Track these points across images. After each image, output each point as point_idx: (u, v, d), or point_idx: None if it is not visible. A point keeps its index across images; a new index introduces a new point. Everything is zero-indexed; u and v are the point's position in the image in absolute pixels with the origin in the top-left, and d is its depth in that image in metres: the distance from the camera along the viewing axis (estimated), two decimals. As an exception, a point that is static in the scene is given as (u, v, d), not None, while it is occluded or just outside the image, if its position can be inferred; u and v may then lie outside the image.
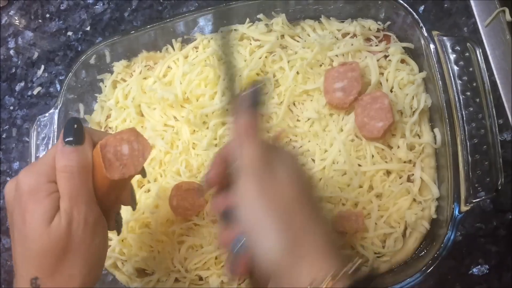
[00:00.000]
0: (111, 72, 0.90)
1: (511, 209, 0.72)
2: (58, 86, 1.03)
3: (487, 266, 0.71)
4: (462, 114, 0.65)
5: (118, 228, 0.64)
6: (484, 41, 0.75)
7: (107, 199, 0.56)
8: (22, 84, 1.06)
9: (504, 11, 0.74)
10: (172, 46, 0.87)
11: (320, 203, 0.51)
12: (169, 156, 0.81)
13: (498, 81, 0.73)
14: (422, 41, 0.69)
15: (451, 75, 0.66)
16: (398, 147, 0.71)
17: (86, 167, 0.52)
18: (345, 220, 0.69)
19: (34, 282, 0.50)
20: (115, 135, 0.53)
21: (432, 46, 0.67)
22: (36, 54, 1.06)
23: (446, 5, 0.80)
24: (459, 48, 0.65)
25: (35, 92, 1.04)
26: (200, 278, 0.76)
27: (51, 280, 0.50)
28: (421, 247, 0.70)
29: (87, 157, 0.53)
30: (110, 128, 0.89)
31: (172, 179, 0.80)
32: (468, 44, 0.65)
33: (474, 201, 0.61)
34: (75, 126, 0.52)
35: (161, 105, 0.83)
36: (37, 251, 0.50)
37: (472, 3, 0.76)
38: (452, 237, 0.63)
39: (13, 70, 1.08)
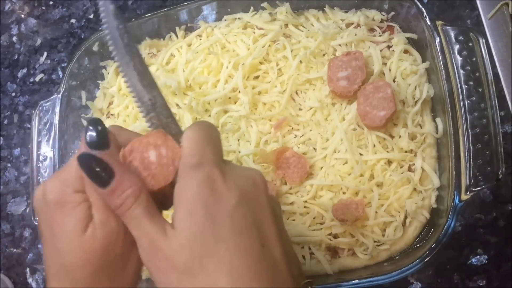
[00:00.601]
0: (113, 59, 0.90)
1: (511, 200, 0.72)
2: (60, 73, 1.03)
3: (486, 257, 0.72)
4: (464, 104, 0.65)
5: None
6: (487, 33, 0.75)
7: None
8: (25, 70, 1.06)
9: (507, 4, 0.74)
10: (176, 34, 0.87)
11: (278, 227, 0.44)
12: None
13: (500, 73, 0.73)
14: (426, 31, 0.69)
15: (454, 65, 0.66)
16: (400, 136, 0.71)
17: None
18: (346, 208, 0.69)
19: None
20: (140, 140, 0.45)
21: (436, 36, 0.67)
22: (39, 41, 1.07)
23: (450, -3, 0.80)
24: (462, 38, 0.65)
25: (37, 79, 1.04)
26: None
27: None
28: (420, 236, 0.70)
29: (116, 158, 0.45)
30: (112, 115, 0.89)
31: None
32: (471, 34, 0.65)
33: (475, 189, 0.62)
34: (99, 128, 0.43)
35: (164, 93, 0.83)
36: (71, 265, 0.44)
37: (476, -5, 0.76)
38: (452, 226, 0.63)
39: (16, 57, 1.08)
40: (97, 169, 0.41)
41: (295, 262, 0.47)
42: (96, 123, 0.44)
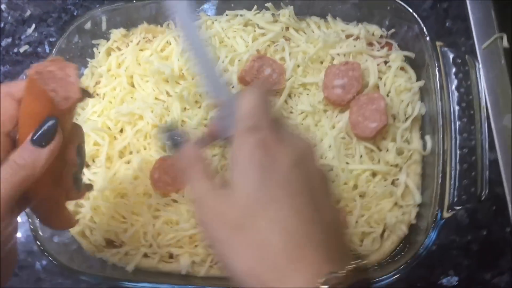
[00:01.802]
0: (107, 39, 0.89)
1: (487, 226, 0.73)
2: (47, 47, 1.00)
3: (456, 278, 0.73)
4: (455, 124, 0.67)
5: (77, 187, 0.57)
6: (480, 62, 0.77)
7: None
8: (9, 40, 1.03)
9: (501, 37, 0.77)
10: (174, 23, 0.87)
11: (329, 197, 0.45)
12: (156, 129, 0.80)
13: (488, 103, 0.75)
14: (426, 51, 0.71)
15: (449, 86, 0.68)
16: (387, 150, 0.72)
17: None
18: (327, 213, 0.69)
19: None
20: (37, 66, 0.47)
21: (434, 56, 0.69)
22: (28, 13, 1.03)
23: (447, 24, 0.82)
24: (459, 61, 0.67)
25: (21, 50, 1.01)
26: (171, 256, 0.75)
27: None
28: (396, 251, 0.70)
29: (11, 106, 0.49)
30: (98, 94, 0.87)
31: (156, 153, 0.78)
32: (468, 58, 0.67)
33: (457, 208, 0.63)
34: None
35: (155, 78, 0.82)
36: None
37: (473, 25, 0.79)
38: (431, 242, 0.64)
39: (2, 25, 1.04)
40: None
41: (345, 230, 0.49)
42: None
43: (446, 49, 0.68)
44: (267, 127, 0.43)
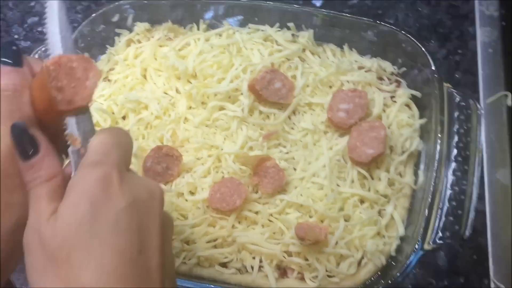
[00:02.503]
0: (130, 31, 0.92)
1: (465, 274, 0.73)
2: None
3: (427, 321, 0.71)
4: (450, 164, 0.68)
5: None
6: (483, 115, 0.79)
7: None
8: (36, 19, 1.06)
9: (506, 95, 0.79)
10: (198, 26, 0.90)
11: (166, 243, 0.44)
12: (158, 121, 0.81)
13: (484, 153, 0.76)
14: (432, 90, 0.73)
15: (450, 126, 0.69)
16: (380, 179, 0.73)
17: (27, 91, 0.46)
18: (309, 228, 0.69)
19: None
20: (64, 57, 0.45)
21: (439, 95, 0.71)
22: (60, -3, 1.07)
23: (457, 75, 0.85)
24: (464, 104, 0.69)
25: (45, 30, 1.04)
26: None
27: None
28: (371, 280, 0.70)
29: (28, 79, 0.46)
30: (109, 80, 0.88)
31: (153, 142, 0.79)
32: (471, 102, 0.69)
33: (438, 242, 0.63)
34: (13, 48, 0.46)
35: (168, 73, 0.84)
36: None
37: (481, 80, 0.81)
38: (405, 279, 0.63)
39: (32, 4, 1.08)
40: (26, 142, 0.43)
41: (171, 277, 0.46)
42: (12, 44, 0.46)
43: (452, 90, 0.70)
44: (112, 164, 0.42)
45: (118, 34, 0.92)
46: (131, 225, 0.40)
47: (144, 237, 0.41)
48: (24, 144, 0.42)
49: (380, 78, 0.82)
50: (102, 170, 0.41)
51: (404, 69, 0.81)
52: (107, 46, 0.91)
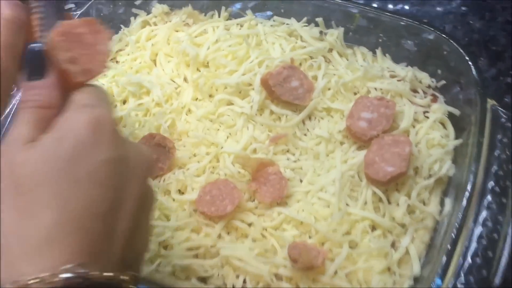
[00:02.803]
0: (148, 12, 0.85)
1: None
2: (93, 11, 0.99)
3: None
4: (485, 196, 0.55)
5: None
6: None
7: None
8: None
9: None
10: (219, 13, 0.82)
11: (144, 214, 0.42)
12: (158, 109, 0.73)
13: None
14: (477, 107, 0.61)
15: (490, 151, 0.57)
16: (398, 204, 0.62)
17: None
18: (305, 250, 0.58)
19: None
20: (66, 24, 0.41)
21: (481, 113, 0.59)
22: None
23: (506, 99, 0.74)
24: (509, 125, 0.57)
25: (66, 7, 0.99)
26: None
27: None
28: (372, 325, 0.58)
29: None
30: (117, 61, 0.82)
31: (148, 131, 0.71)
32: (521, 124, 0.57)
33: (460, 287, 0.50)
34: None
35: (178, 59, 0.77)
36: None
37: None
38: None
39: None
40: (35, 64, 0.41)
41: (137, 251, 0.42)
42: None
43: (498, 108, 0.58)
44: (108, 111, 0.40)
45: (135, 16, 0.86)
46: (110, 180, 0.37)
47: (119, 197, 0.38)
48: (33, 64, 0.41)
49: (414, 91, 0.71)
50: (96, 113, 0.38)
51: (443, 82, 0.70)
52: (122, 26, 0.85)
